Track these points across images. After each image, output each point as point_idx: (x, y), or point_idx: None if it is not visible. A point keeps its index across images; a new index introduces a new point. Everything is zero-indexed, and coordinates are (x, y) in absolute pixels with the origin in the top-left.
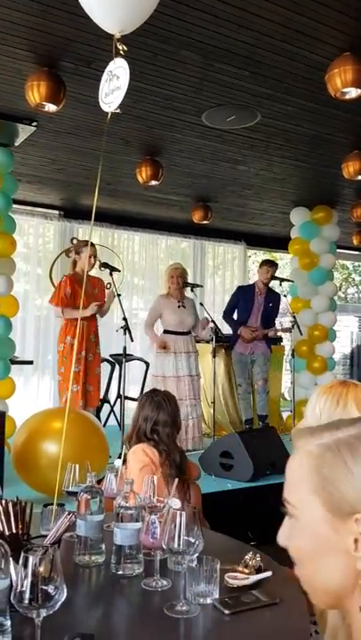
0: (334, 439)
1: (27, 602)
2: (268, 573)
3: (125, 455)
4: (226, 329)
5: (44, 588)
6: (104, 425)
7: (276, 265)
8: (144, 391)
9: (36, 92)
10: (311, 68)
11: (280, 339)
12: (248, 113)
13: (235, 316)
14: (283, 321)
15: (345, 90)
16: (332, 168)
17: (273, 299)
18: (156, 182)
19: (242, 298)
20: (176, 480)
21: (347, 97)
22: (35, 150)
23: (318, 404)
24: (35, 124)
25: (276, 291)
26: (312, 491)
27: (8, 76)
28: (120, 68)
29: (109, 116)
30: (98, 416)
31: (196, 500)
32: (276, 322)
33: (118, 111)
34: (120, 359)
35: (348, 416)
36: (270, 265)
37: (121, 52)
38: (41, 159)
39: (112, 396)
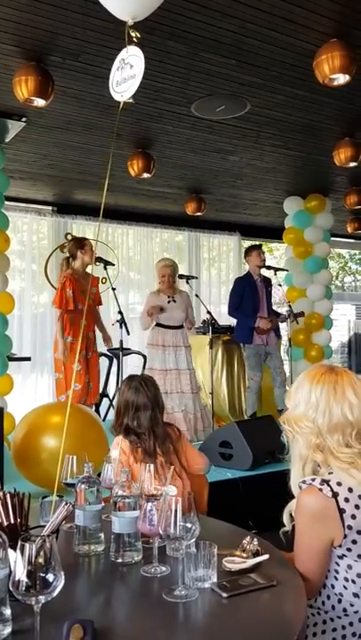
0: None
1: (24, 589)
2: (266, 556)
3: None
4: (223, 319)
5: (42, 575)
6: (103, 419)
7: (261, 246)
8: None
9: (24, 87)
10: (299, 55)
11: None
12: (237, 102)
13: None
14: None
15: (333, 76)
16: (323, 156)
17: (268, 283)
18: (148, 175)
19: (247, 290)
20: (172, 468)
21: (335, 83)
22: (26, 146)
23: (314, 393)
24: (24, 119)
25: (271, 280)
26: None
27: None
28: (134, 57)
29: (122, 105)
30: (97, 410)
31: (199, 489)
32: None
33: (132, 101)
34: (117, 353)
35: (347, 403)
36: (258, 248)
37: (134, 40)
38: (32, 155)
39: (111, 390)
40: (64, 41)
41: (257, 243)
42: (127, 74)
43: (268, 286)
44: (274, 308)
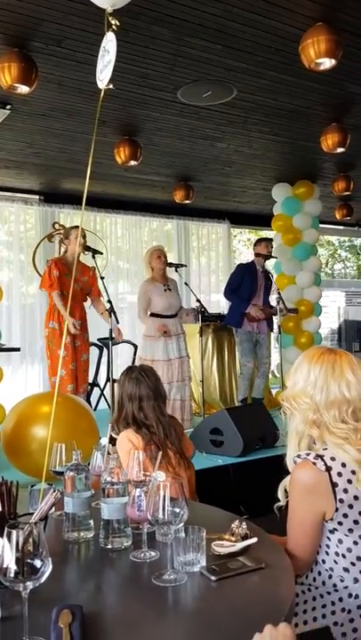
0: None
1: (12, 575)
2: (254, 539)
3: (112, 437)
4: (213, 308)
5: (30, 561)
6: (95, 408)
7: (270, 239)
8: None
9: (7, 74)
10: (284, 39)
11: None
12: (224, 88)
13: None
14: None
15: (319, 60)
16: (311, 142)
17: (269, 275)
18: (135, 162)
19: (247, 275)
20: (160, 453)
21: (321, 68)
22: (10, 134)
23: (313, 371)
24: (9, 107)
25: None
26: None
27: None
28: (110, 42)
29: (103, 92)
30: (88, 400)
31: (190, 477)
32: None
33: (112, 87)
34: (107, 342)
35: (345, 381)
36: (269, 241)
37: (114, 27)
38: (17, 143)
39: (101, 379)
40: (47, 26)
41: (268, 237)
42: (106, 60)
43: (267, 279)
44: (269, 299)
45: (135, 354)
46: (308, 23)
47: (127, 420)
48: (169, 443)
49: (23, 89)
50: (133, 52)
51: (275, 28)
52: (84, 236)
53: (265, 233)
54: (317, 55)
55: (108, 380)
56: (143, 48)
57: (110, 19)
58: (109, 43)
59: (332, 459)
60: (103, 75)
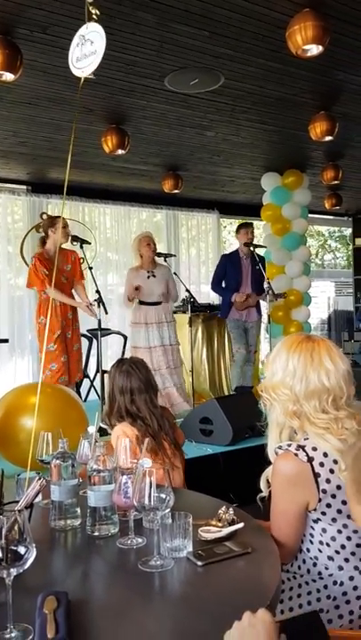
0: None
1: None
2: (240, 525)
3: (101, 427)
4: (203, 298)
5: (14, 548)
6: (85, 399)
7: (251, 224)
8: None
9: None
10: (271, 25)
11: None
12: (211, 75)
13: (223, 286)
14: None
15: (306, 47)
16: (299, 130)
17: (256, 261)
18: (123, 151)
19: (229, 265)
20: (147, 440)
21: (308, 54)
22: None
23: (291, 361)
24: None
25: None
26: (357, 502)
27: None
28: (94, 33)
29: (82, 81)
30: (78, 391)
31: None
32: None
33: (92, 77)
34: (97, 333)
35: (324, 369)
36: (248, 226)
37: (94, 17)
38: (2, 132)
39: (91, 370)
40: (31, 13)
41: (248, 221)
42: (88, 50)
43: (255, 264)
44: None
45: (125, 344)
46: (295, 9)
47: (120, 412)
48: (163, 434)
49: (8, 76)
50: (119, 38)
51: (261, 14)
52: (65, 226)
53: (255, 223)
54: (305, 41)
55: (97, 371)
56: (129, 35)
57: (91, 8)
58: (92, 33)
59: (314, 449)
60: (82, 63)
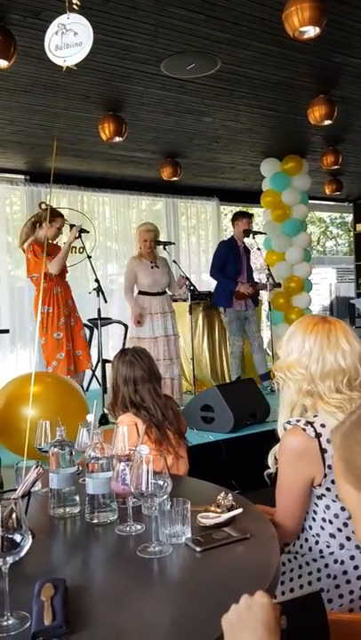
0: (349, 423)
1: None
2: (239, 510)
3: (105, 416)
4: (204, 286)
5: (9, 536)
6: (87, 389)
7: (250, 214)
8: None
9: None
10: (268, 8)
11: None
12: (208, 60)
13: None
14: (260, 277)
15: (303, 29)
16: (298, 115)
17: (247, 249)
18: (120, 138)
19: (231, 253)
20: (143, 426)
21: (305, 36)
22: None
23: (308, 341)
24: None
25: (248, 244)
26: (345, 480)
27: None
28: (78, 24)
29: (64, 69)
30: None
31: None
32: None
33: (74, 67)
34: (97, 323)
35: (340, 350)
36: (249, 216)
37: (74, 7)
38: None
39: (93, 360)
40: None
41: (246, 210)
42: (70, 40)
43: (248, 254)
44: (255, 274)
45: (126, 334)
46: None
47: (125, 403)
48: (167, 423)
49: (1, 63)
50: (114, 23)
51: None
52: (60, 227)
53: (255, 210)
54: (301, 23)
55: (98, 360)
56: (124, 19)
57: None
58: (76, 24)
59: (323, 425)
60: (64, 52)
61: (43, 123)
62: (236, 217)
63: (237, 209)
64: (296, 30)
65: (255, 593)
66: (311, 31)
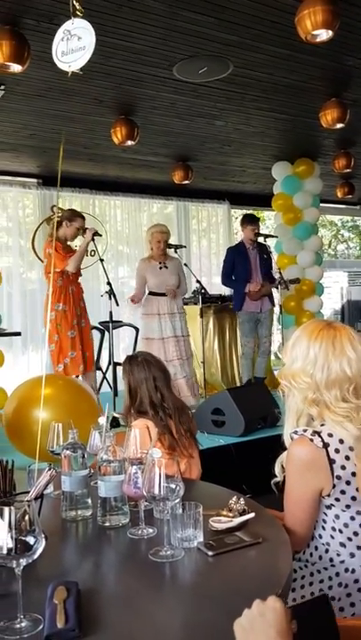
0: None
1: (5, 552)
2: (251, 515)
3: (115, 419)
4: (215, 289)
5: (23, 538)
6: (97, 392)
7: (257, 218)
8: None
9: None
10: (280, 11)
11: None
12: (220, 63)
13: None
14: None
15: (316, 32)
16: (310, 118)
17: (264, 249)
18: (132, 142)
19: (236, 257)
20: (156, 430)
21: (318, 40)
22: (4, 116)
23: (312, 348)
24: (2, 87)
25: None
26: None
27: None
28: (81, 29)
29: (69, 75)
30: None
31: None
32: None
33: (79, 72)
34: (108, 326)
35: (346, 358)
36: (253, 223)
37: (77, 13)
38: (11, 125)
39: (103, 362)
40: (37, 2)
41: (252, 213)
42: (75, 45)
43: (263, 253)
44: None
45: (137, 336)
46: None
47: (143, 404)
48: (183, 427)
49: (15, 67)
50: (127, 27)
51: None
52: (82, 228)
53: (266, 213)
54: (314, 26)
55: (109, 363)
56: (136, 23)
57: (75, 2)
58: (80, 29)
59: (330, 435)
60: (69, 58)
61: (56, 127)
62: (242, 223)
63: (249, 212)
64: (309, 33)
65: (268, 598)
66: (324, 34)
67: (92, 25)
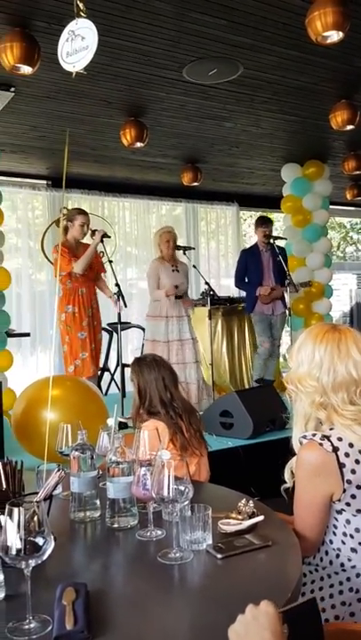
0: None
1: (14, 553)
2: (261, 517)
3: (123, 424)
4: (223, 292)
5: (32, 539)
6: (105, 393)
7: (269, 220)
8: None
9: (9, 54)
10: (290, 13)
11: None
12: (230, 65)
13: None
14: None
15: (326, 34)
16: (320, 120)
17: (280, 252)
18: (142, 144)
19: (249, 259)
20: (167, 431)
21: (328, 41)
22: (15, 118)
23: (317, 352)
24: (12, 89)
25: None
26: None
27: None
28: (85, 29)
29: (74, 75)
30: (99, 384)
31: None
32: None
33: (83, 72)
34: (117, 327)
35: (351, 360)
36: (268, 224)
37: (81, 13)
38: (21, 127)
39: (112, 364)
40: (47, 4)
41: (265, 215)
42: (79, 45)
43: (276, 256)
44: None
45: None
46: None
47: (153, 404)
48: (193, 427)
49: (26, 69)
50: (136, 29)
51: (281, 1)
52: (87, 224)
53: (275, 215)
54: (324, 28)
55: (117, 364)
56: (146, 25)
57: (79, 2)
58: (84, 29)
59: (339, 439)
60: (73, 58)
61: (64, 129)
62: (255, 224)
63: (257, 214)
64: (319, 35)
65: (261, 602)
66: (335, 36)
67: (102, 27)
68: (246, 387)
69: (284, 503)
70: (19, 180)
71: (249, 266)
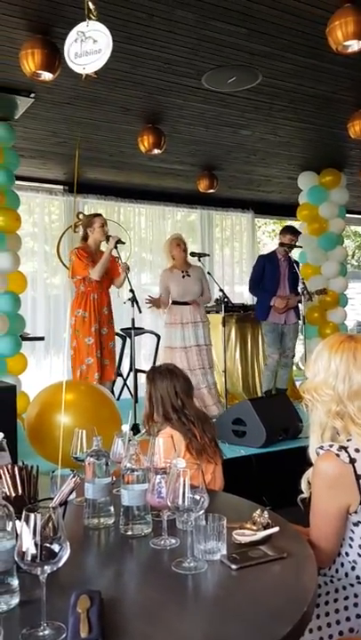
0: None
1: (30, 559)
2: (276, 529)
3: (137, 426)
4: (237, 299)
5: (48, 545)
6: (118, 398)
7: (291, 230)
8: (156, 363)
9: (30, 61)
10: (310, 22)
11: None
12: (249, 73)
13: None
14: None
15: (347, 43)
16: (338, 129)
17: (295, 263)
18: (159, 151)
19: (267, 265)
20: (182, 440)
21: (349, 50)
22: (35, 123)
23: (333, 361)
24: (33, 95)
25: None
26: None
27: (3, 45)
28: (97, 32)
29: (84, 77)
30: (112, 390)
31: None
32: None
33: (94, 75)
34: (130, 333)
35: None
36: (287, 233)
37: (91, 15)
38: (41, 132)
39: (125, 369)
40: (68, 11)
41: (292, 225)
42: (90, 48)
43: (292, 266)
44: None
45: (158, 344)
46: (336, 4)
47: (166, 410)
48: (207, 435)
49: (46, 76)
50: (157, 36)
51: (301, 10)
52: (102, 225)
53: (290, 223)
54: (345, 37)
55: (130, 370)
56: (167, 33)
57: (89, 3)
58: (95, 32)
59: (357, 450)
60: (83, 60)
61: (84, 134)
62: (283, 231)
63: (273, 222)
64: (340, 44)
65: None
66: (355, 45)
67: (123, 34)
68: (258, 395)
69: (297, 514)
70: (36, 184)
71: (266, 273)
